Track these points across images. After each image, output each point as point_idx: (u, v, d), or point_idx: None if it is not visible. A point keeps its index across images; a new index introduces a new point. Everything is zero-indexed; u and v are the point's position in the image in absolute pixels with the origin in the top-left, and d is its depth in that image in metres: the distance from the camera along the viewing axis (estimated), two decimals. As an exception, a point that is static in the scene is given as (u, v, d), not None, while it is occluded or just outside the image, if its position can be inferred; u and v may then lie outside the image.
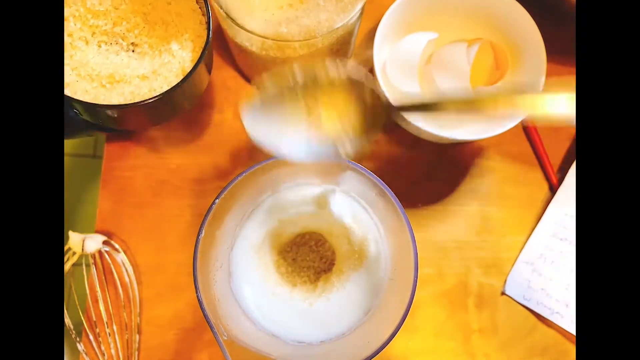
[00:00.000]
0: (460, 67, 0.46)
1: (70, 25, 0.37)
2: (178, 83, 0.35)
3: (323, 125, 0.29)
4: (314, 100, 0.29)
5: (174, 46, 0.38)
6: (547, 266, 0.47)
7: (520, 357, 0.47)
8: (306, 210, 0.37)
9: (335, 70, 0.28)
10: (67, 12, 0.37)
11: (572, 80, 0.25)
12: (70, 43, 0.37)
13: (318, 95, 0.29)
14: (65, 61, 0.36)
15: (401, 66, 0.46)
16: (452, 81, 0.45)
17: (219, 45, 0.51)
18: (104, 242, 0.46)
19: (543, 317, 0.46)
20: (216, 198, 0.28)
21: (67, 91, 0.36)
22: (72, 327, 0.44)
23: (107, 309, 0.45)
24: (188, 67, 0.38)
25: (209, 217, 0.29)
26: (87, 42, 0.38)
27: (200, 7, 0.39)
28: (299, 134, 0.29)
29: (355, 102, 0.29)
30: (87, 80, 0.37)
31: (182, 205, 0.48)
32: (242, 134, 0.50)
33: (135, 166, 0.49)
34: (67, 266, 0.44)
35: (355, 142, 0.28)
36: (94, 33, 0.38)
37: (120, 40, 0.38)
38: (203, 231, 0.28)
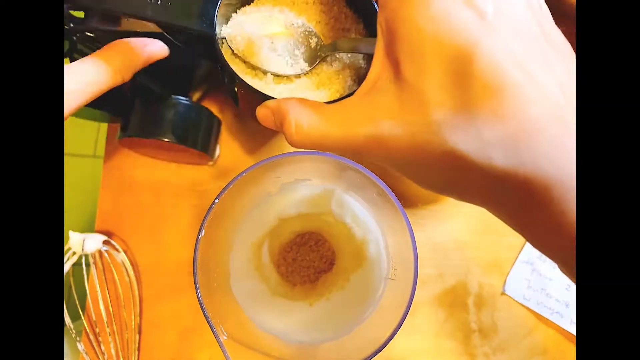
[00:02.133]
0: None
1: None
2: None
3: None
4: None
5: None
6: (547, 266, 0.47)
7: (520, 357, 0.47)
8: (306, 210, 0.37)
9: None
10: None
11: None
12: None
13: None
14: None
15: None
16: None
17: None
18: (104, 242, 0.46)
19: (543, 317, 0.46)
20: (216, 198, 0.28)
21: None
22: (72, 326, 0.44)
23: (107, 309, 0.45)
24: None
25: (209, 217, 0.29)
26: None
27: None
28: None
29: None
30: None
31: (182, 205, 0.48)
32: (242, 133, 0.50)
33: (136, 166, 0.49)
34: (67, 266, 0.44)
35: (318, 47, 0.31)
36: None
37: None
38: (203, 231, 0.28)
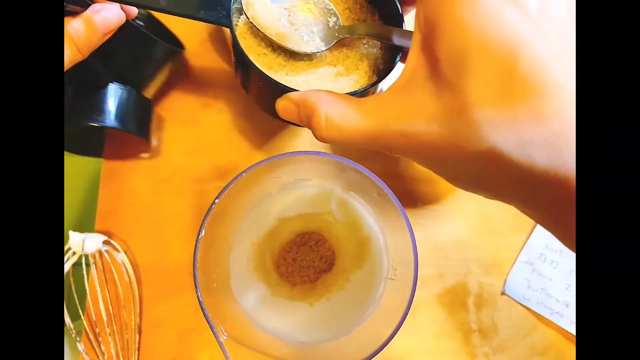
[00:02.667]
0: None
1: None
2: None
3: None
4: None
5: None
6: (547, 266, 0.47)
7: (520, 357, 0.47)
8: (306, 210, 0.37)
9: None
10: None
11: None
12: None
13: None
14: None
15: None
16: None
17: (219, 45, 0.51)
18: (104, 242, 0.46)
19: (543, 317, 0.46)
20: (216, 198, 0.28)
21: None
22: (72, 326, 0.44)
23: (107, 309, 0.45)
24: None
25: (209, 217, 0.29)
26: None
27: None
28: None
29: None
30: None
31: (182, 205, 0.48)
32: (242, 133, 0.50)
33: (136, 166, 0.49)
34: (67, 266, 0.44)
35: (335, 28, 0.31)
36: None
37: None
38: (203, 231, 0.28)
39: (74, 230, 0.45)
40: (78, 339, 0.44)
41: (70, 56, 0.30)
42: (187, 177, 0.49)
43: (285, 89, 0.27)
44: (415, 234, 0.28)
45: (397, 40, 0.29)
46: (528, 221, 0.49)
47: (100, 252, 0.46)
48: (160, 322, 0.46)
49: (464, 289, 0.48)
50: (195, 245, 0.28)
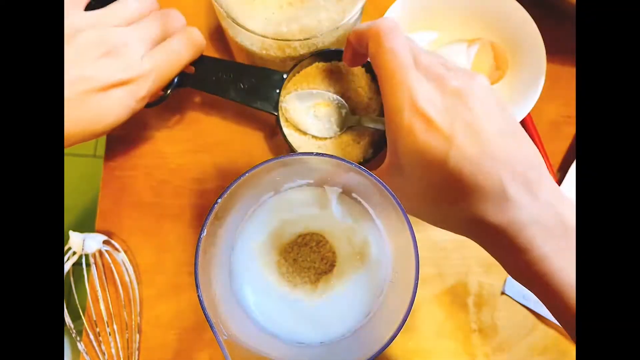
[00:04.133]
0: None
1: None
2: None
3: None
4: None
5: None
6: (546, 266, 0.47)
7: (520, 356, 0.47)
8: (308, 211, 0.37)
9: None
10: None
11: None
12: None
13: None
14: None
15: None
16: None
17: (219, 45, 0.51)
18: (104, 242, 0.46)
19: (543, 317, 0.47)
20: (218, 198, 0.28)
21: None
22: (72, 326, 0.44)
23: (107, 309, 0.45)
24: None
25: (211, 217, 0.28)
26: None
27: None
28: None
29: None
30: None
31: (183, 205, 0.48)
32: (242, 133, 0.50)
33: (136, 166, 0.49)
34: (67, 266, 0.44)
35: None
36: None
37: None
38: (205, 230, 0.28)
39: (74, 230, 0.45)
40: (78, 338, 0.44)
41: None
42: (187, 177, 0.49)
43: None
44: (415, 233, 0.28)
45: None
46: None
47: (100, 252, 0.46)
48: (160, 322, 0.46)
49: (464, 289, 0.48)
50: (197, 244, 0.28)
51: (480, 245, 0.31)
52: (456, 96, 0.27)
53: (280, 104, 0.42)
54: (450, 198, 0.28)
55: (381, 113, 0.42)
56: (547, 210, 0.27)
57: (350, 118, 0.42)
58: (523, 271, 0.28)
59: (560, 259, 0.26)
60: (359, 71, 0.43)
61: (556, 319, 0.28)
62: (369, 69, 0.43)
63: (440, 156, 0.27)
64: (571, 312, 0.26)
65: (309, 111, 0.41)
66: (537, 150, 0.29)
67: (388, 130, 0.30)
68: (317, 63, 0.43)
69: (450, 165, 0.27)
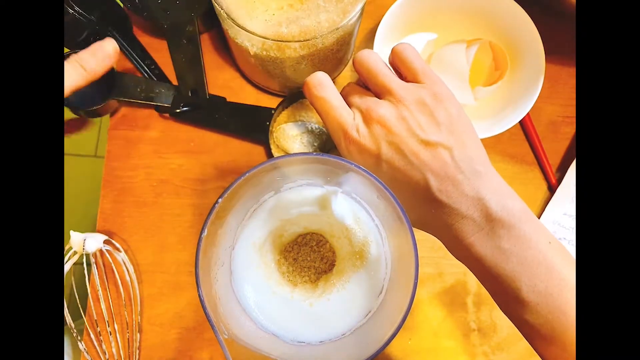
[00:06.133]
0: (459, 67, 0.46)
1: None
2: None
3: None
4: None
5: None
6: (545, 265, 0.47)
7: (519, 356, 0.47)
8: (308, 210, 0.37)
9: None
10: None
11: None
12: None
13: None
14: None
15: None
16: (451, 82, 0.45)
17: (219, 45, 0.51)
18: (105, 242, 0.46)
19: (541, 316, 0.47)
20: (219, 197, 0.29)
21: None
22: (73, 325, 0.44)
23: (108, 308, 0.45)
24: None
25: (212, 217, 0.29)
26: None
27: None
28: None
29: None
30: None
31: (183, 205, 0.48)
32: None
33: (137, 166, 0.49)
34: (68, 265, 0.44)
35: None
36: None
37: None
38: (206, 230, 0.29)
39: (75, 229, 0.45)
40: (79, 338, 0.44)
41: (79, 80, 0.40)
42: (188, 177, 0.49)
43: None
44: (415, 233, 0.28)
45: None
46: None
47: (101, 251, 0.46)
48: (160, 321, 0.46)
49: (463, 288, 0.48)
50: (198, 244, 0.28)
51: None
52: (379, 123, 0.33)
53: (271, 134, 0.48)
54: (403, 199, 0.33)
55: None
56: (475, 206, 0.32)
57: (330, 142, 0.47)
58: (460, 256, 0.34)
59: (483, 247, 0.32)
60: None
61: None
62: None
63: (376, 170, 0.34)
64: (489, 292, 0.35)
65: (295, 139, 0.47)
66: (469, 153, 0.33)
67: (341, 154, 0.36)
68: (301, 99, 0.49)
69: (386, 178, 0.33)
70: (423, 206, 0.34)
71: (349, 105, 0.36)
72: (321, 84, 0.36)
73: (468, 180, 0.32)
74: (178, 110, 0.48)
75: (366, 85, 0.37)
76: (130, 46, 0.50)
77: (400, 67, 0.36)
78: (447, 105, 0.34)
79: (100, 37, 0.42)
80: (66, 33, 0.47)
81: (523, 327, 0.33)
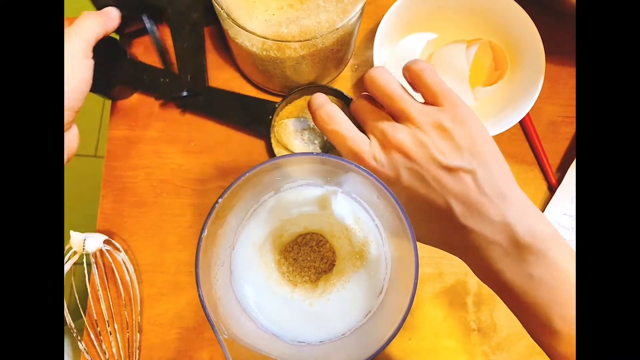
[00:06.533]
0: (459, 67, 0.46)
1: None
2: None
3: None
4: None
5: None
6: (545, 265, 0.47)
7: (519, 355, 0.47)
8: (308, 210, 0.37)
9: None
10: None
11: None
12: None
13: None
14: None
15: (401, 67, 0.46)
16: (451, 82, 0.45)
17: (219, 45, 0.51)
18: (105, 242, 0.46)
19: (541, 316, 0.47)
20: (219, 197, 0.29)
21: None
22: (73, 325, 0.44)
23: (108, 308, 0.45)
24: None
25: (212, 217, 0.29)
26: None
27: None
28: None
29: None
30: None
31: (183, 205, 0.48)
32: (242, 134, 0.50)
33: (137, 166, 0.49)
34: (68, 265, 0.44)
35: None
36: None
37: None
38: (206, 230, 0.29)
39: (75, 229, 0.45)
40: (79, 338, 0.44)
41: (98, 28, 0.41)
42: (188, 177, 0.49)
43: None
44: (415, 234, 0.29)
45: None
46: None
47: (101, 251, 0.46)
48: (160, 321, 0.46)
49: (463, 288, 0.48)
50: (198, 243, 0.28)
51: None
52: (398, 150, 0.32)
53: (272, 128, 0.48)
54: (424, 222, 0.34)
55: None
56: (501, 231, 0.31)
57: (330, 143, 0.47)
58: (487, 281, 0.33)
59: (511, 274, 0.31)
60: (339, 103, 0.49)
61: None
62: (348, 102, 0.48)
63: (399, 194, 0.33)
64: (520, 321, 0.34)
65: (297, 135, 0.47)
66: (493, 174, 0.32)
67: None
68: (305, 96, 0.49)
69: (407, 204, 0.33)
70: (448, 231, 0.33)
71: (363, 125, 0.35)
72: (330, 117, 0.35)
73: (493, 204, 0.31)
74: (178, 95, 0.47)
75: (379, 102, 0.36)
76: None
77: (419, 89, 0.35)
78: (468, 127, 0.32)
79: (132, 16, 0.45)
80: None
81: (556, 358, 0.32)
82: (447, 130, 0.32)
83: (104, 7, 0.44)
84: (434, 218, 0.33)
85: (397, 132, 0.33)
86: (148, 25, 0.48)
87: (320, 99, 0.36)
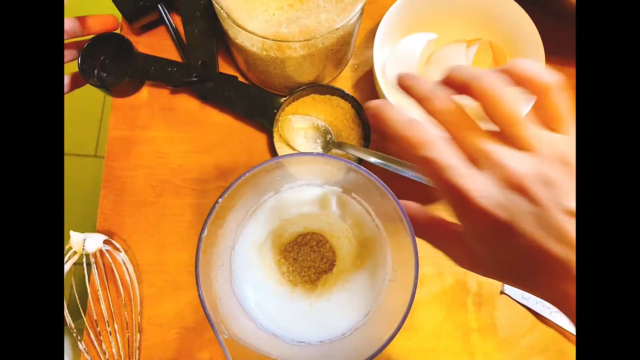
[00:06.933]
0: (459, 67, 0.46)
1: None
2: None
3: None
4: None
5: None
6: (545, 265, 0.47)
7: (519, 355, 0.47)
8: (308, 210, 0.37)
9: None
10: None
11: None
12: None
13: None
14: None
15: (401, 67, 0.46)
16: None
17: (219, 45, 0.51)
18: (105, 242, 0.46)
19: (542, 316, 0.47)
20: (219, 197, 0.29)
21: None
22: (73, 325, 0.44)
23: (108, 308, 0.45)
24: None
25: (212, 217, 0.29)
26: None
27: None
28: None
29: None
30: None
31: (183, 205, 0.48)
32: (242, 133, 0.50)
33: (137, 166, 0.49)
34: (68, 265, 0.44)
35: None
36: None
37: None
38: (206, 230, 0.29)
39: (75, 229, 0.45)
40: (79, 338, 0.44)
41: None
42: (188, 177, 0.49)
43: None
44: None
45: (362, 156, 0.42)
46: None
47: (101, 251, 0.46)
48: (160, 321, 0.46)
49: (463, 288, 0.48)
50: (198, 244, 0.28)
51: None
52: (519, 189, 0.25)
53: (276, 122, 0.48)
54: (528, 273, 0.28)
55: (359, 142, 0.49)
56: None
57: (334, 142, 0.48)
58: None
59: None
60: (345, 105, 0.49)
61: None
62: (354, 104, 0.49)
63: (499, 244, 0.27)
64: None
65: (300, 132, 0.48)
66: None
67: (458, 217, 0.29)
68: (313, 94, 0.49)
69: (512, 254, 0.27)
70: (557, 285, 0.26)
71: (461, 147, 0.28)
72: (422, 139, 0.27)
73: None
74: (188, 81, 0.48)
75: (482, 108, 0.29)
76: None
77: (540, 104, 0.29)
78: None
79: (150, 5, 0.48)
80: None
81: None
82: (571, 165, 0.26)
83: (125, 3, 0.47)
84: (544, 271, 0.26)
85: (518, 164, 0.26)
86: (164, 13, 0.49)
87: (403, 116, 0.28)
